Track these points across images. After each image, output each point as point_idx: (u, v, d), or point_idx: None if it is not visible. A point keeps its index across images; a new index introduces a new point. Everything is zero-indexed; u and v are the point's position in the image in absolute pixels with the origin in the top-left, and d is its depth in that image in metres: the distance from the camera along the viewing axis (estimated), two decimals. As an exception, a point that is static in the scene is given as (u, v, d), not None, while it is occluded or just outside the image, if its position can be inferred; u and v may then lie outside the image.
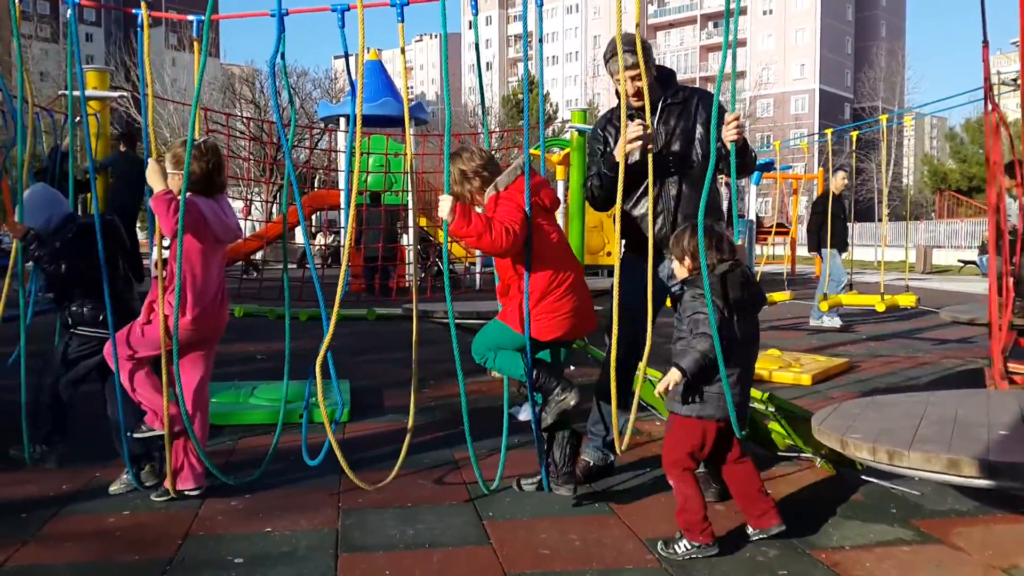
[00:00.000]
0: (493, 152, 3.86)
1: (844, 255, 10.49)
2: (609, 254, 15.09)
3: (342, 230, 15.15)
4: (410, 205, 13.55)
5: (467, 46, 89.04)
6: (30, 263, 4.00)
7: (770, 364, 6.69)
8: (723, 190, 15.65)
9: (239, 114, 30.93)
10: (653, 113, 3.82)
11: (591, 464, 3.98)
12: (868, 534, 3.33)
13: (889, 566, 3.03)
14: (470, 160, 3.55)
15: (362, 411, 5.40)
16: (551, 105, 52.07)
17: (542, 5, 3.50)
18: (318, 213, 19.49)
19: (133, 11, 3.71)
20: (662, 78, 3.92)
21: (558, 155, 14.16)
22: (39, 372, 4.03)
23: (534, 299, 3.43)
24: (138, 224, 9.81)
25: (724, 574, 2.98)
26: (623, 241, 4.01)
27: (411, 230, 13.04)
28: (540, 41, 3.60)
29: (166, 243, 3.67)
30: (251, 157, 18.38)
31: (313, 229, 19.31)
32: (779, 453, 4.24)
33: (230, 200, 4.00)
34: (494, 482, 3.77)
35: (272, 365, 6.60)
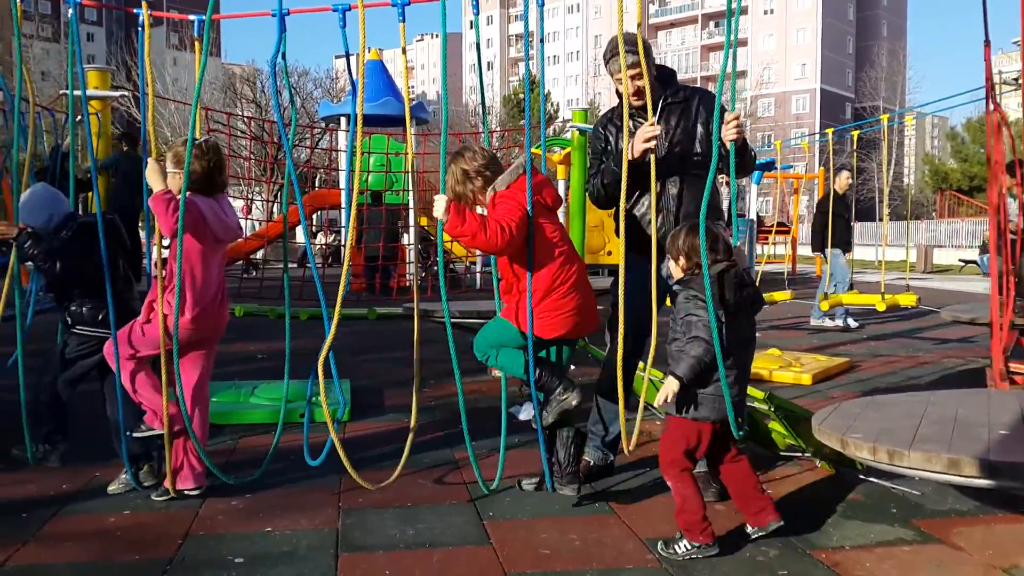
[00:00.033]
0: (495, 151, 3.86)
1: (847, 255, 10.46)
2: (610, 253, 15.08)
3: (343, 229, 15.16)
4: (411, 205, 13.55)
5: (468, 45, 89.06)
6: (28, 262, 4.00)
7: (770, 364, 6.69)
8: (723, 190, 15.64)
9: (240, 113, 30.94)
10: (653, 112, 3.82)
11: (591, 464, 3.98)
12: (868, 534, 3.33)
13: (889, 566, 3.03)
14: (472, 160, 3.55)
15: (362, 411, 5.40)
16: (552, 105, 52.06)
17: (543, 5, 3.50)
18: (319, 212, 19.50)
19: (134, 11, 3.71)
20: (662, 77, 3.92)
21: (559, 154, 14.17)
22: (39, 371, 4.03)
23: (537, 297, 3.43)
24: (139, 224, 9.80)
25: (724, 574, 2.98)
26: (625, 242, 4.00)
27: (412, 229, 13.04)
28: (541, 41, 3.61)
29: (166, 243, 3.67)
30: (252, 156, 18.37)
31: (314, 229, 19.32)
32: (779, 453, 4.24)
33: (231, 199, 4.00)
34: (493, 482, 3.77)
35: (272, 364, 6.60)
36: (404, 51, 3.59)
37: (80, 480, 3.97)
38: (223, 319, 3.84)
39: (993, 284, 4.80)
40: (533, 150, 3.79)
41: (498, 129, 37.45)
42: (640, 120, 3.81)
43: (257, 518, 3.53)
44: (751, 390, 4.16)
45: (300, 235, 17.01)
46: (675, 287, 3.31)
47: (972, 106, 48.81)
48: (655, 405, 3.24)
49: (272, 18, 3.63)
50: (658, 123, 3.82)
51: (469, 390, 5.77)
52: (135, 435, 3.72)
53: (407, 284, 14.08)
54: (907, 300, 9.25)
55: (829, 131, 10.83)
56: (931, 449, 2.80)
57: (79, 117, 4.09)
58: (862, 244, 28.22)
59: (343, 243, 16.64)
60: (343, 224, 15.30)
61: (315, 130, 28.37)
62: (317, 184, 23.46)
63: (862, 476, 3.95)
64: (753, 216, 17.44)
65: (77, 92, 3.87)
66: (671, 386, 3.12)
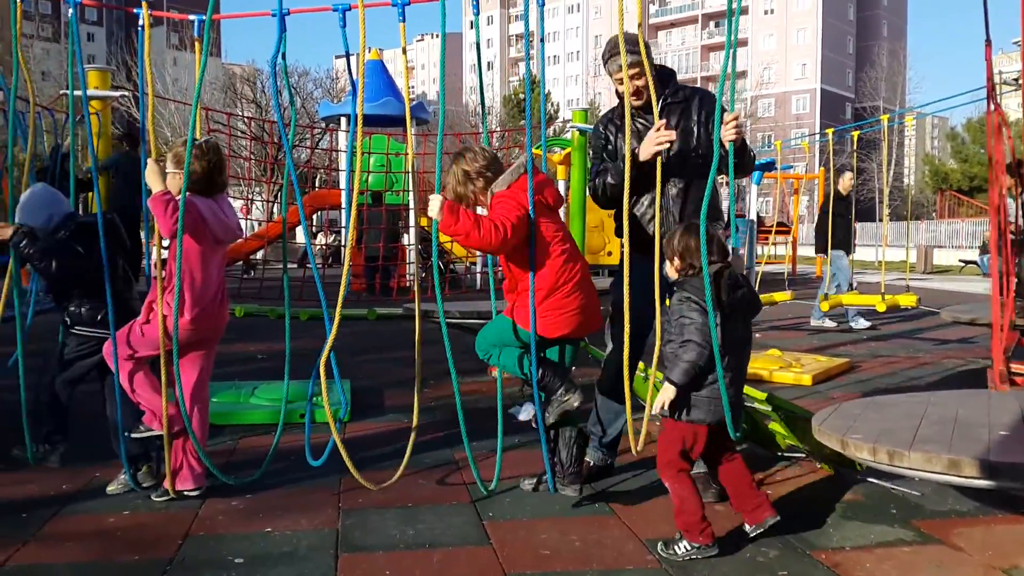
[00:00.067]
0: (495, 152, 3.86)
1: (849, 256, 10.43)
2: (610, 254, 15.08)
3: (343, 230, 15.16)
4: (411, 205, 13.54)
5: (468, 45, 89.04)
6: (27, 263, 4.00)
7: (771, 364, 6.69)
8: (722, 190, 15.64)
9: (240, 113, 30.93)
10: (652, 112, 3.82)
11: (591, 464, 3.98)
12: (868, 535, 3.33)
13: (890, 567, 3.03)
14: (473, 161, 3.54)
15: (362, 411, 5.40)
16: (552, 105, 52.05)
17: (543, 5, 3.50)
18: (319, 213, 19.49)
19: (134, 11, 3.71)
20: (662, 77, 3.91)
21: (559, 155, 14.16)
22: (39, 371, 4.03)
23: (541, 295, 3.42)
24: (140, 224, 9.79)
25: (724, 575, 2.98)
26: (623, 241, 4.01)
27: (412, 230, 13.04)
28: (542, 40, 3.60)
29: (166, 243, 3.67)
30: (252, 156, 18.37)
31: (314, 229, 19.31)
32: (779, 454, 4.24)
33: (231, 200, 4.00)
34: (491, 483, 3.76)
35: (272, 365, 6.60)
36: (404, 51, 3.59)
37: (80, 480, 3.97)
38: (223, 319, 3.83)
39: (994, 285, 4.80)
40: (533, 150, 3.79)
41: (498, 129, 37.44)
42: (641, 120, 3.81)
43: (257, 518, 3.53)
44: (752, 391, 4.16)
45: (300, 235, 17.02)
46: (672, 288, 3.31)
47: (972, 107, 48.85)
48: (653, 412, 3.25)
49: (272, 18, 3.63)
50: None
51: (469, 390, 5.78)
52: (133, 435, 3.72)
53: (407, 284, 14.07)
54: (907, 301, 9.24)
55: (829, 131, 10.82)
56: (931, 450, 2.80)
57: (79, 117, 4.08)
58: (862, 244, 28.13)
59: (343, 243, 16.65)
60: (343, 224, 15.30)
61: (315, 130, 28.36)
62: (317, 184, 23.46)
63: (862, 477, 3.95)
64: (753, 216, 17.43)
65: (77, 92, 3.87)
66: (667, 393, 3.13)
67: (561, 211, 4.60)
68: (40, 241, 3.83)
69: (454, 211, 3.30)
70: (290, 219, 14.18)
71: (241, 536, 3.33)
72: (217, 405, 5.10)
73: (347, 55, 3.70)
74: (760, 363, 6.71)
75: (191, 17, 3.98)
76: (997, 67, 5.37)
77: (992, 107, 4.69)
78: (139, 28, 3.67)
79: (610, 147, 3.93)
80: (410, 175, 7.58)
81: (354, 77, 3.69)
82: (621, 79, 3.74)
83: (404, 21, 3.62)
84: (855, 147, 11.16)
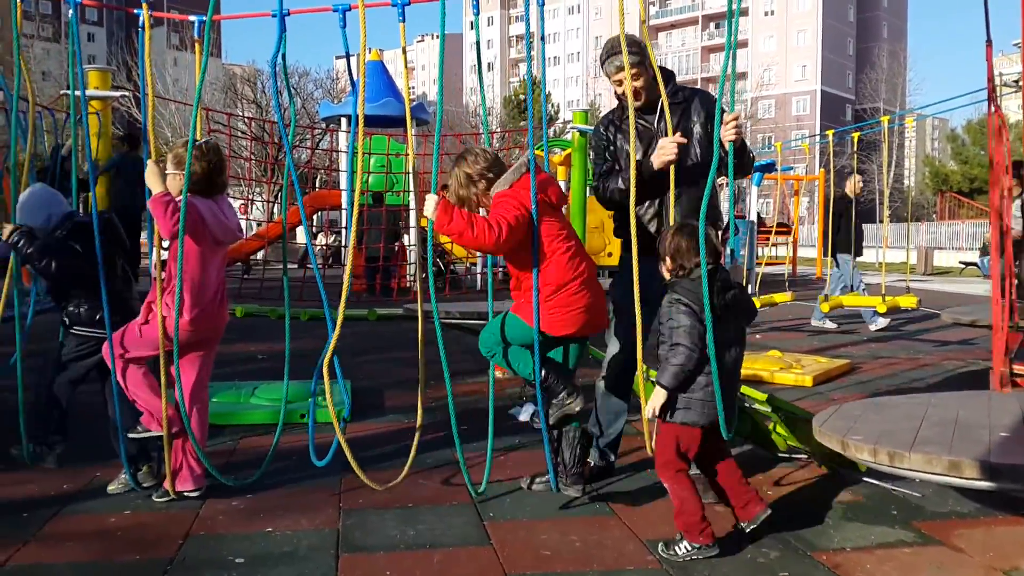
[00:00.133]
0: (497, 152, 3.86)
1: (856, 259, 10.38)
2: (610, 255, 15.08)
3: (343, 230, 15.16)
4: (411, 205, 13.54)
5: (469, 46, 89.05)
6: (27, 263, 4.00)
7: (771, 365, 6.69)
8: (722, 191, 15.61)
9: (241, 114, 30.94)
10: (653, 112, 3.83)
11: (592, 465, 3.98)
12: (869, 536, 3.33)
13: (890, 568, 3.03)
14: (475, 163, 3.54)
15: (363, 411, 5.40)
16: (552, 106, 52.07)
17: (543, 5, 3.50)
18: (319, 213, 19.49)
19: (135, 11, 3.71)
20: (662, 78, 3.92)
21: (559, 155, 14.17)
22: (39, 371, 4.03)
23: (548, 292, 3.41)
24: (142, 224, 9.81)
25: (725, 575, 2.98)
26: (623, 242, 4.01)
27: (413, 230, 13.04)
28: (543, 39, 3.60)
29: (165, 243, 3.67)
30: (252, 157, 18.38)
31: (314, 229, 19.32)
32: (780, 455, 4.24)
33: (231, 200, 4.00)
34: (481, 485, 3.74)
35: (273, 365, 6.59)
36: (404, 52, 3.59)
37: (81, 480, 3.97)
38: (223, 320, 3.83)
39: (994, 287, 4.80)
40: (535, 151, 3.79)
41: (498, 130, 37.45)
42: (642, 121, 3.81)
43: (258, 518, 3.52)
44: (752, 392, 4.16)
45: (301, 236, 17.02)
46: (664, 289, 3.31)
47: (972, 108, 48.89)
48: (646, 415, 3.25)
49: (272, 18, 3.63)
50: (658, 124, 3.83)
51: (470, 391, 5.79)
52: (130, 436, 3.72)
53: (407, 285, 14.08)
54: (908, 302, 9.24)
55: (829, 133, 10.82)
56: (932, 451, 2.80)
57: (80, 117, 4.09)
58: (863, 245, 28.16)
59: (344, 244, 16.66)
60: (343, 225, 15.31)
61: (315, 131, 28.36)
62: (318, 185, 23.47)
63: (863, 478, 3.95)
64: (753, 217, 17.42)
65: (78, 92, 3.87)
66: (658, 397, 3.14)
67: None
68: (39, 240, 3.83)
69: (448, 210, 3.31)
70: (290, 219, 14.19)
71: (242, 536, 3.33)
72: (217, 405, 5.10)
73: (347, 55, 3.70)
74: (761, 364, 6.71)
75: (191, 18, 3.98)
76: (997, 69, 5.37)
77: (992, 109, 4.69)
78: (139, 28, 3.67)
79: (612, 148, 3.94)
80: (411, 175, 7.59)
81: (355, 77, 3.69)
82: (619, 80, 3.75)
83: (404, 21, 3.63)
84: (855, 149, 11.13)
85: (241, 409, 5.19)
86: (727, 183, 15.89)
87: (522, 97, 48.06)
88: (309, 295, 11.04)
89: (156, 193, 3.47)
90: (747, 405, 4.08)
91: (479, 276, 15.55)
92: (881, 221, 14.03)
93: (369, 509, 3.63)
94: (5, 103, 5.77)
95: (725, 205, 15.88)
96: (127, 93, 10.91)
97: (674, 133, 3.77)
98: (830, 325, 10.04)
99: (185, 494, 3.71)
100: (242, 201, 18.51)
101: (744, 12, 68.41)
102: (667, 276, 3.28)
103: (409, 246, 14.46)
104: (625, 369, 3.95)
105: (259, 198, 19.08)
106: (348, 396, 4.77)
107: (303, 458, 3.84)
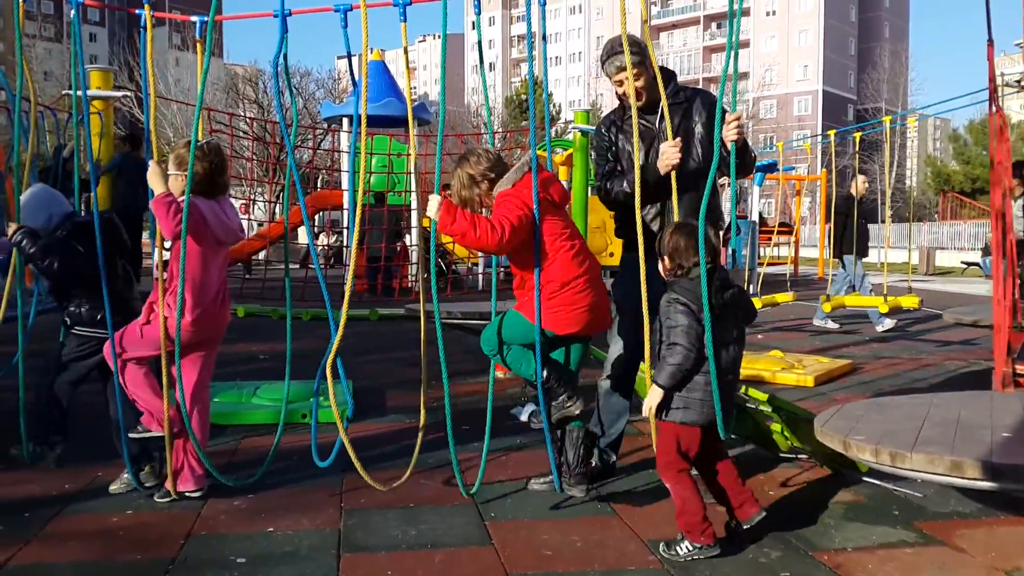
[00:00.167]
0: (499, 152, 3.86)
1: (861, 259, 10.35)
2: (612, 255, 15.08)
3: (345, 230, 15.16)
4: (414, 205, 13.55)
5: (470, 46, 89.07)
6: (29, 262, 4.00)
7: (773, 365, 6.69)
8: (723, 192, 15.59)
9: (242, 114, 30.96)
10: (654, 113, 3.83)
11: (593, 465, 3.98)
12: (870, 536, 3.33)
13: (891, 568, 3.03)
14: (477, 164, 3.54)
15: (364, 411, 5.40)
16: (554, 106, 52.07)
17: (545, 5, 3.50)
18: (321, 213, 19.50)
19: (137, 11, 3.72)
20: (662, 79, 3.92)
21: (561, 156, 14.16)
22: (41, 371, 4.03)
23: (553, 289, 3.41)
24: (144, 224, 9.80)
25: (726, 575, 2.98)
26: (624, 242, 4.01)
27: (414, 230, 13.05)
28: (544, 39, 3.60)
29: (167, 244, 3.67)
30: (254, 157, 18.37)
31: (316, 229, 19.32)
32: (781, 455, 4.24)
33: (232, 200, 4.00)
34: (473, 487, 3.73)
35: (274, 365, 6.60)
36: (406, 52, 3.59)
37: (82, 480, 3.97)
38: (224, 320, 3.83)
39: (996, 287, 4.79)
40: (537, 151, 3.79)
41: (500, 130, 37.46)
42: (643, 121, 3.81)
43: (259, 518, 3.53)
44: (754, 392, 4.16)
45: (302, 236, 17.04)
46: (663, 289, 3.31)
47: (974, 108, 48.86)
48: (643, 414, 3.25)
49: (274, 19, 3.63)
50: (659, 124, 3.83)
51: (472, 390, 5.78)
52: (131, 436, 3.72)
53: (409, 285, 14.08)
54: (909, 302, 9.23)
55: (831, 133, 10.81)
56: (934, 451, 2.80)
57: (82, 117, 4.09)
58: (868, 246, 28.13)
59: (345, 244, 16.66)
60: (345, 225, 15.32)
61: (317, 131, 28.36)
62: (319, 185, 23.47)
63: (864, 478, 3.95)
64: (755, 217, 17.42)
65: (80, 92, 3.87)
66: (654, 396, 3.14)
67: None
68: (41, 240, 3.84)
69: (451, 211, 3.31)
70: (292, 219, 14.20)
71: (243, 536, 3.33)
72: (219, 405, 5.11)
73: (349, 55, 3.70)
74: (762, 364, 6.71)
75: (193, 18, 3.98)
76: (999, 69, 5.36)
77: (994, 109, 4.68)
78: (141, 29, 3.67)
79: (614, 149, 3.94)
80: (412, 175, 7.58)
81: (356, 77, 3.69)
82: (620, 80, 3.75)
83: (405, 21, 3.62)
84: (857, 149, 11.12)
85: (243, 409, 5.19)
86: (729, 183, 15.91)
87: (524, 97, 48.03)
88: (311, 295, 11.05)
89: (158, 194, 3.47)
90: (748, 405, 4.08)
91: (480, 276, 15.55)
92: (883, 221, 14.01)
93: (371, 509, 3.63)
94: (7, 103, 5.77)
95: (727, 205, 15.93)
96: (129, 93, 10.89)
97: (676, 133, 3.77)
98: (832, 325, 10.03)
99: (187, 494, 3.72)
100: (243, 201, 18.51)
101: (746, 12, 68.33)
102: (665, 275, 3.28)
103: (411, 246, 14.46)
104: (627, 369, 3.95)
105: (261, 198, 19.09)
106: (350, 396, 4.78)
107: (304, 458, 3.84)
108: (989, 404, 3.65)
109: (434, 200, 3.33)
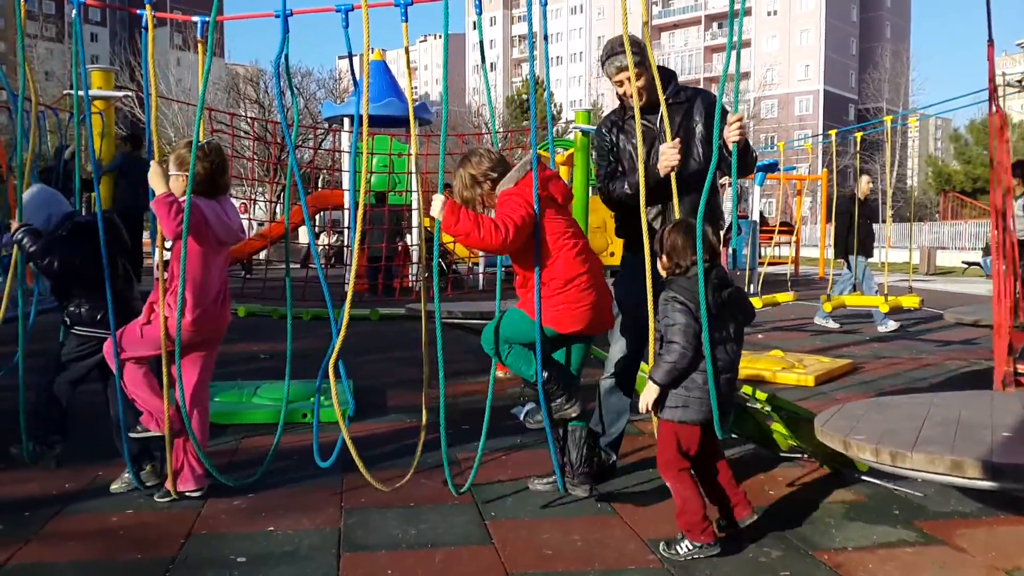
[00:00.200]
0: (501, 152, 3.86)
1: (857, 260, 10.33)
2: (612, 254, 15.08)
3: (346, 230, 15.17)
4: (415, 205, 13.55)
5: (471, 46, 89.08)
6: (30, 261, 4.00)
7: (773, 365, 6.69)
8: (723, 192, 15.57)
9: (244, 114, 30.96)
10: (655, 113, 3.82)
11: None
12: (871, 535, 3.33)
13: (892, 567, 3.03)
14: (479, 164, 3.54)
15: (364, 411, 5.40)
16: (555, 106, 52.04)
17: (546, 5, 3.50)
18: (321, 213, 19.49)
19: (138, 12, 3.72)
20: (662, 79, 3.92)
21: (562, 155, 14.16)
22: (41, 371, 4.03)
23: (556, 287, 3.40)
24: (145, 224, 9.81)
25: (726, 574, 2.98)
26: (624, 241, 4.01)
27: (415, 230, 13.05)
28: (545, 38, 3.60)
29: (168, 244, 3.68)
30: (255, 157, 18.39)
31: (317, 229, 19.32)
32: (781, 454, 4.24)
33: (233, 200, 4.00)
34: (464, 486, 3.72)
35: (275, 365, 6.60)
36: (407, 52, 3.60)
37: (83, 479, 3.98)
38: (224, 320, 3.83)
39: (996, 286, 4.79)
40: (538, 150, 3.79)
41: (501, 130, 37.46)
42: (644, 121, 3.81)
43: (259, 518, 3.53)
44: (752, 390, 4.16)
45: (303, 236, 17.05)
46: (661, 288, 3.31)
47: (975, 108, 48.85)
48: (640, 411, 3.25)
49: (275, 19, 3.64)
50: (660, 124, 3.83)
51: (472, 390, 5.78)
52: (131, 435, 3.73)
53: (409, 285, 14.08)
54: (910, 302, 9.23)
55: (832, 132, 10.81)
56: (934, 451, 2.80)
57: (83, 117, 4.10)
58: (872, 246, 28.10)
59: (346, 244, 16.67)
60: (345, 225, 15.32)
61: (318, 131, 28.37)
62: (320, 185, 23.48)
63: (864, 477, 3.95)
64: (756, 217, 17.41)
65: (81, 92, 3.88)
66: (650, 393, 3.14)
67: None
68: (42, 239, 3.84)
69: (455, 211, 3.30)
70: (293, 219, 14.20)
71: (243, 535, 3.33)
72: (220, 405, 5.11)
73: (350, 55, 3.70)
74: (763, 364, 6.71)
75: (195, 18, 3.98)
76: (1000, 68, 5.36)
77: (994, 108, 4.68)
78: (143, 29, 3.67)
79: (615, 149, 3.94)
80: (414, 175, 7.59)
81: (357, 77, 3.69)
82: (620, 81, 3.75)
83: (407, 21, 3.62)
84: (858, 148, 11.12)
85: (243, 409, 5.19)
86: (730, 183, 15.91)
87: (525, 97, 48.05)
88: (311, 295, 11.06)
89: (160, 194, 3.48)
90: (749, 405, 4.08)
91: (481, 276, 15.55)
92: (884, 221, 14.00)
93: (371, 508, 3.63)
94: (9, 103, 5.78)
95: (727, 205, 15.92)
96: (130, 93, 10.91)
97: (677, 133, 3.77)
98: (833, 325, 10.03)
99: (187, 494, 3.72)
100: (243, 200, 18.52)
101: (747, 12, 68.30)
102: (663, 273, 3.28)
103: (412, 245, 14.47)
104: (627, 368, 3.95)
105: (262, 198, 19.10)
106: (351, 396, 4.78)
107: (304, 458, 3.84)
108: (989, 404, 3.65)
109: (438, 200, 3.32)
